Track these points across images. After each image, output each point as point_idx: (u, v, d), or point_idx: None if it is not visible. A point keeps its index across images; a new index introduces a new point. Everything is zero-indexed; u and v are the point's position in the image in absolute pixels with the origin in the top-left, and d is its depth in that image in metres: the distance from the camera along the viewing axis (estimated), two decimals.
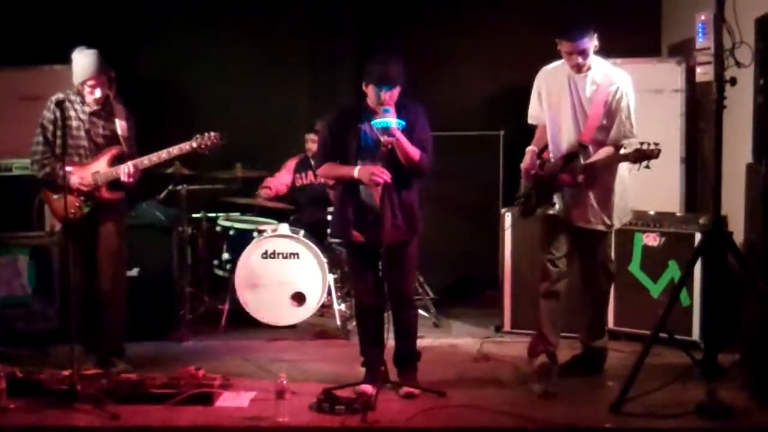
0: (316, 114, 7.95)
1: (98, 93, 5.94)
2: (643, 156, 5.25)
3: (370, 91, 5.38)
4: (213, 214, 7.75)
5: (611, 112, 5.48)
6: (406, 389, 5.46)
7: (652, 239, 6.47)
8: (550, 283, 5.73)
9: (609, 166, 5.51)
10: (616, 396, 5.05)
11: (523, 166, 5.75)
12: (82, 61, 5.93)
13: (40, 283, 6.86)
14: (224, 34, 8.39)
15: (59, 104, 5.73)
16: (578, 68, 5.50)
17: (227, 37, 8.39)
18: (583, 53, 5.42)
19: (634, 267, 6.52)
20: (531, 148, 5.77)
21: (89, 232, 5.98)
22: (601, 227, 5.61)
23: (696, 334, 6.22)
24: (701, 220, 6.24)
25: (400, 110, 5.33)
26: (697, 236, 6.16)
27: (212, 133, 5.96)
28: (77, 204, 5.90)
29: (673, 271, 6.34)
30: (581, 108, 5.55)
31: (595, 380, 5.73)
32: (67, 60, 7.63)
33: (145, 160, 5.92)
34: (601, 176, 5.55)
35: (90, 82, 5.91)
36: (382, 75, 5.32)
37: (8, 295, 6.84)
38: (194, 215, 7.60)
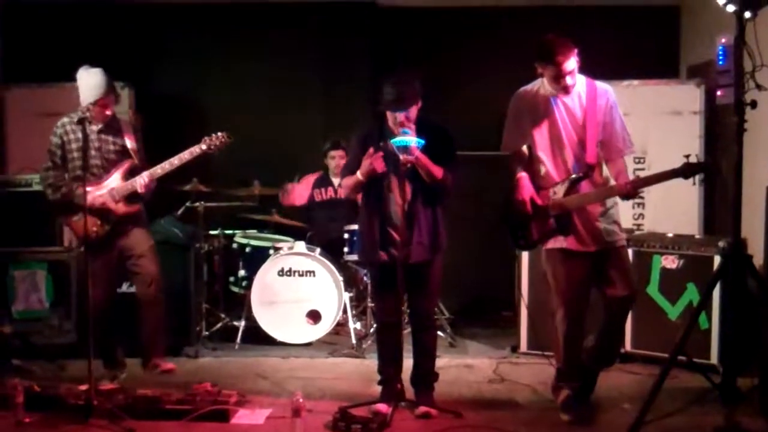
0: (332, 132, 8.00)
1: (108, 112, 6.05)
2: (693, 169, 5.04)
3: (387, 114, 5.43)
4: (230, 231, 7.76)
5: (605, 125, 5.32)
6: (422, 409, 5.44)
7: (670, 261, 6.44)
8: (579, 324, 5.43)
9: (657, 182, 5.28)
10: (633, 419, 5.01)
11: (525, 194, 5.42)
12: (91, 81, 6.00)
13: (58, 298, 6.89)
14: (241, 52, 8.43)
15: (81, 121, 5.73)
16: (567, 90, 5.28)
17: (244, 56, 8.44)
18: (572, 74, 5.23)
19: (652, 289, 6.49)
20: (524, 175, 5.46)
21: (113, 247, 6.09)
22: (622, 241, 5.44)
23: (714, 357, 6.17)
24: (720, 243, 6.19)
25: (422, 130, 5.35)
26: (716, 259, 6.14)
27: (220, 133, 6.06)
28: (98, 222, 5.97)
29: (691, 293, 6.31)
30: (576, 128, 5.32)
31: (612, 403, 5.69)
32: None
33: (159, 169, 6.01)
34: (603, 192, 5.38)
35: (102, 102, 5.99)
36: (395, 99, 5.35)
37: (26, 309, 6.87)
38: (211, 232, 7.62)
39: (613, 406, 5.65)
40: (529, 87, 5.49)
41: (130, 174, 6.06)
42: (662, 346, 6.09)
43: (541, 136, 5.41)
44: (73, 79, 7.64)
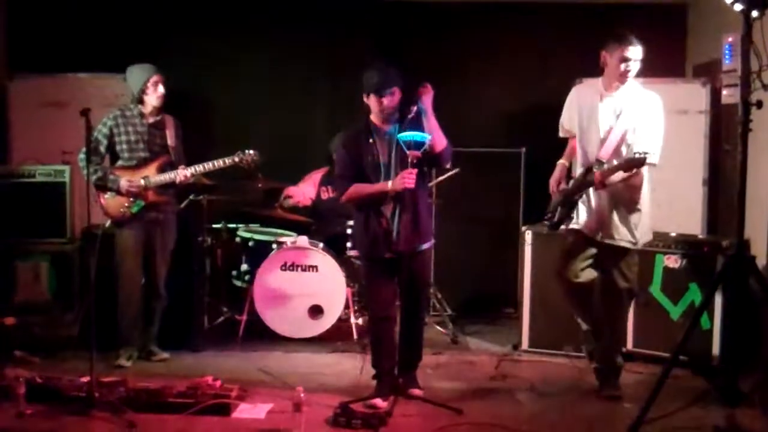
0: (336, 127, 7.96)
1: (161, 89, 6.45)
2: (632, 164, 5.30)
3: (372, 101, 5.53)
4: (233, 225, 7.75)
5: (635, 130, 5.49)
6: (414, 392, 5.58)
7: (673, 261, 6.43)
8: (570, 277, 5.77)
9: (628, 178, 5.48)
10: (633, 418, 5.00)
11: (551, 179, 5.83)
12: (139, 68, 6.46)
13: (60, 290, 6.89)
14: (245, 48, 8.40)
15: (142, 115, 6.46)
16: (626, 78, 5.51)
17: (248, 51, 8.40)
18: (634, 63, 5.48)
19: (655, 289, 6.47)
20: (562, 162, 5.88)
21: (141, 229, 6.46)
22: (624, 243, 5.60)
23: (716, 357, 6.15)
24: (724, 243, 6.19)
25: (406, 120, 5.45)
26: (719, 259, 6.13)
27: (252, 151, 6.59)
28: (126, 204, 6.36)
29: (693, 293, 6.29)
30: (607, 127, 5.56)
31: (613, 402, 5.69)
32: (90, 68, 7.78)
33: (200, 167, 6.47)
34: (626, 192, 5.56)
35: (154, 78, 6.40)
36: (381, 81, 5.48)
37: (28, 300, 6.86)
38: (214, 225, 7.61)
39: (615, 404, 5.66)
40: (590, 81, 5.80)
41: (166, 167, 6.47)
42: (664, 345, 6.10)
43: (581, 128, 5.69)
44: (78, 70, 7.76)
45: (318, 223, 7.75)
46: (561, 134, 5.93)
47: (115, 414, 5.19)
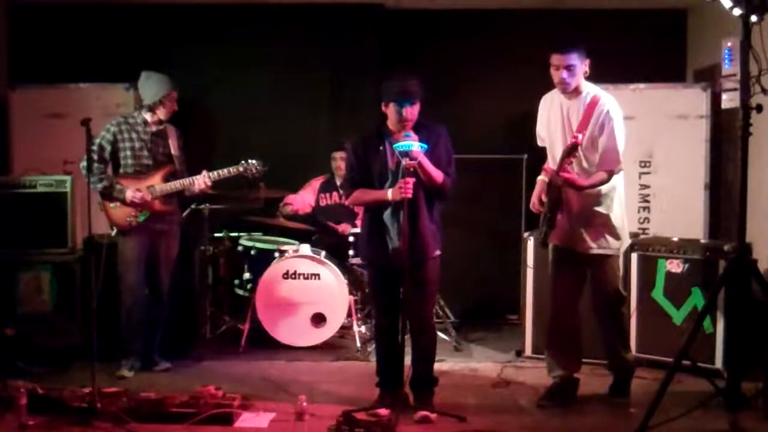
0: (338, 134, 7.98)
1: (175, 106, 6.50)
2: (570, 150, 5.29)
3: (390, 110, 5.40)
4: (235, 234, 7.75)
5: (592, 138, 5.44)
6: (421, 413, 5.41)
7: (675, 266, 6.42)
8: (560, 312, 5.75)
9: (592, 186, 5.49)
10: (638, 423, 4.99)
11: (533, 197, 5.76)
12: (159, 79, 6.46)
13: (62, 300, 6.88)
14: (248, 54, 8.41)
15: (145, 123, 6.46)
16: (563, 86, 5.46)
17: (250, 58, 8.41)
18: (569, 69, 5.40)
19: (657, 294, 6.46)
20: (541, 178, 5.79)
21: (147, 238, 6.46)
22: (597, 251, 5.58)
23: (719, 362, 6.15)
24: (725, 247, 6.18)
25: (422, 131, 5.35)
26: (721, 263, 6.12)
27: (256, 161, 6.62)
28: (133, 213, 6.39)
29: (696, 298, 6.28)
30: (570, 132, 5.51)
31: (618, 407, 5.69)
32: (91, 79, 7.78)
33: (215, 174, 6.51)
34: (589, 199, 5.53)
35: (173, 95, 6.46)
36: (403, 91, 5.36)
37: (30, 311, 6.85)
38: (216, 234, 7.61)
39: (619, 410, 5.66)
40: (553, 91, 5.66)
41: (170, 177, 6.49)
42: (667, 350, 6.07)
43: (550, 135, 5.66)
44: (79, 81, 7.77)
45: (320, 231, 7.75)
46: (539, 143, 5.85)
47: (117, 424, 5.18)
